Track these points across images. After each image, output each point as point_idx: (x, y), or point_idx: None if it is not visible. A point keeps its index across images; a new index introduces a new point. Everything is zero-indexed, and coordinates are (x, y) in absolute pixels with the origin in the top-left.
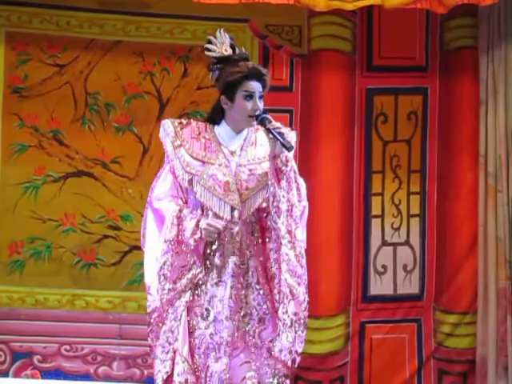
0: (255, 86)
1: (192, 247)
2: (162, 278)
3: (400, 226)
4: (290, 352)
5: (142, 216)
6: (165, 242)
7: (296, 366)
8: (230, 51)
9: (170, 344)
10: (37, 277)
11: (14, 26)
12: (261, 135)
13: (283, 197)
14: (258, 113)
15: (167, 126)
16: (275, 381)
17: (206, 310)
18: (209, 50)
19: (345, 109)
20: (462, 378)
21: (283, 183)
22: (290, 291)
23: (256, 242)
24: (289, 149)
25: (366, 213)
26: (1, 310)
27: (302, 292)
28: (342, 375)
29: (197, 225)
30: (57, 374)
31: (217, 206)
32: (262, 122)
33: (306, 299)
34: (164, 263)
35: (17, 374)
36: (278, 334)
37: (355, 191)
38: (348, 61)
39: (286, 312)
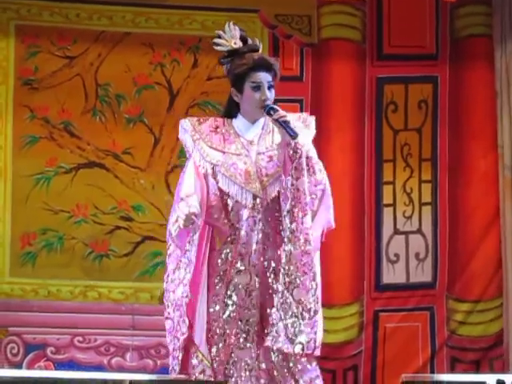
0: (263, 76)
1: (173, 235)
2: (166, 268)
3: (412, 214)
4: (292, 341)
5: (154, 206)
6: (168, 231)
7: (310, 352)
8: (239, 44)
9: (177, 340)
10: (49, 268)
11: (23, 18)
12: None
13: (292, 185)
14: (267, 103)
15: (185, 125)
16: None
17: (230, 297)
18: (217, 45)
19: (355, 98)
20: (475, 365)
21: (292, 171)
22: (295, 279)
23: (277, 230)
24: (293, 137)
25: (377, 201)
26: (14, 301)
27: (308, 279)
28: (355, 364)
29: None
30: (70, 365)
31: (239, 194)
32: (268, 112)
33: (314, 286)
34: (168, 254)
35: (30, 366)
36: (273, 324)
37: (366, 180)
38: (358, 50)
39: (286, 302)
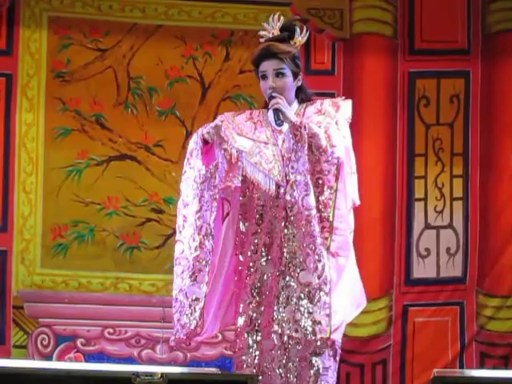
0: (267, 64)
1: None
2: None
3: (443, 209)
4: (299, 324)
5: None
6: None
7: (326, 335)
8: (277, 33)
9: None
10: (80, 260)
11: (56, 10)
12: (310, 110)
13: (292, 167)
14: (269, 92)
15: (220, 117)
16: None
17: (257, 288)
18: (260, 36)
19: (387, 92)
20: (504, 361)
21: (292, 154)
22: (301, 261)
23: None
24: (277, 124)
25: (408, 196)
26: (45, 293)
27: (312, 261)
28: (384, 358)
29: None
30: (100, 357)
31: (262, 182)
32: (269, 100)
33: (320, 268)
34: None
35: (60, 357)
36: (278, 309)
37: (398, 174)
38: (390, 44)
39: (290, 285)
